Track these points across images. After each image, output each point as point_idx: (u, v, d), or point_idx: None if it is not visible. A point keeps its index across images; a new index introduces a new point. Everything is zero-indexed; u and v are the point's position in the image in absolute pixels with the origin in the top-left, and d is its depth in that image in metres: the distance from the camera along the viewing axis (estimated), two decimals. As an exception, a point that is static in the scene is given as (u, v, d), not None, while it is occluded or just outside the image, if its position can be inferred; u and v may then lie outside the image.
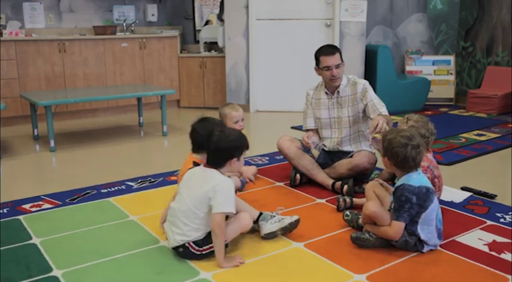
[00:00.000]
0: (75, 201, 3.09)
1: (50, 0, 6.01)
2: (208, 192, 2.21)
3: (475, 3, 6.38)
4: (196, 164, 2.43)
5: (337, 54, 3.22)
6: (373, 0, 6.27)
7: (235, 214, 2.32)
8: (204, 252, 2.26)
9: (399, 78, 6.07)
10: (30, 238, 2.54)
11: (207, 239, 2.24)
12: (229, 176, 2.37)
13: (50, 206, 3.01)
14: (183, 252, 2.27)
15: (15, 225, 2.70)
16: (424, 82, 6.13)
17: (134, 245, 2.44)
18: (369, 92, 3.25)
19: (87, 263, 2.27)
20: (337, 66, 3.21)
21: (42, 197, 3.16)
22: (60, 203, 3.06)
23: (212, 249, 2.24)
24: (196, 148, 2.70)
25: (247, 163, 3.65)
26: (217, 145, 2.27)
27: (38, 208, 2.96)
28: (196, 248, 2.25)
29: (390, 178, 3.04)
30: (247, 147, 2.37)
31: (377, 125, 2.85)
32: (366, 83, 3.30)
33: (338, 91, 3.31)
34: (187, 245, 2.25)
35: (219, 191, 2.20)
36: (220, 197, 2.19)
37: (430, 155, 2.78)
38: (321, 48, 3.29)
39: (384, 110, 3.19)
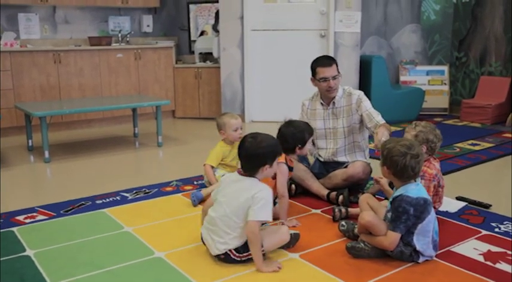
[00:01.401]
0: (69, 212, 3.08)
1: (45, 11, 6.03)
2: (248, 201, 2.23)
3: (468, 14, 6.44)
4: (286, 163, 2.75)
5: (334, 66, 3.23)
6: (367, 11, 6.32)
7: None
8: (243, 259, 2.29)
9: (393, 89, 6.10)
10: (24, 250, 2.52)
11: (247, 245, 2.26)
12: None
13: (44, 217, 2.99)
14: (224, 258, 2.30)
15: (9, 237, 2.68)
16: (418, 92, 6.16)
17: (129, 257, 2.43)
18: (364, 102, 3.26)
19: (81, 275, 2.25)
20: (334, 78, 3.22)
21: (37, 208, 3.15)
22: (55, 214, 3.04)
23: (246, 255, 2.29)
24: (286, 152, 2.84)
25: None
26: (249, 152, 2.29)
27: (32, 219, 2.95)
28: (237, 254, 2.28)
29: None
30: (280, 153, 2.40)
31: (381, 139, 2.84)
32: (361, 93, 3.31)
33: (333, 102, 3.32)
34: (228, 252, 2.27)
35: (257, 198, 2.22)
36: (258, 205, 2.21)
37: (437, 164, 2.79)
38: (317, 59, 3.29)
39: (380, 118, 3.19)
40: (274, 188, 2.78)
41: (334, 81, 3.23)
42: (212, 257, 2.39)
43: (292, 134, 2.86)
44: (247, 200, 2.22)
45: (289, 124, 2.92)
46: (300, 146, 2.87)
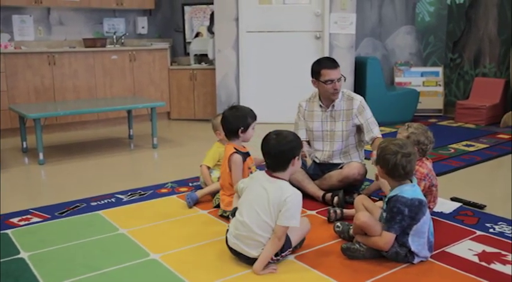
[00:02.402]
0: (64, 214, 3.07)
1: (39, 13, 6.01)
2: (280, 205, 2.23)
3: (462, 15, 6.47)
4: (238, 151, 2.82)
5: (339, 68, 3.24)
6: (362, 12, 6.34)
7: None
8: (280, 259, 2.33)
9: (388, 90, 6.12)
10: (19, 252, 2.51)
11: (284, 245, 2.29)
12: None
13: (38, 219, 2.98)
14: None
15: (3, 240, 2.67)
16: (413, 93, 6.18)
17: (124, 259, 2.42)
18: (366, 110, 3.29)
19: (76, 277, 2.25)
20: (339, 80, 3.22)
21: (31, 210, 3.13)
22: (49, 216, 3.03)
23: (285, 254, 2.32)
24: (230, 135, 2.93)
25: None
26: (278, 148, 2.30)
27: (27, 222, 2.93)
28: (274, 257, 2.29)
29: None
30: (302, 144, 2.44)
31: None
32: (362, 100, 3.32)
33: (333, 105, 3.32)
34: (270, 260, 2.28)
35: (289, 203, 2.22)
36: (289, 211, 2.22)
37: (429, 164, 2.81)
38: (321, 61, 3.27)
39: (376, 131, 3.26)
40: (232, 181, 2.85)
41: (339, 84, 3.23)
42: (207, 259, 2.39)
43: (234, 115, 2.91)
44: (279, 204, 2.23)
45: (232, 107, 2.97)
46: (242, 128, 2.89)
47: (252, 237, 2.26)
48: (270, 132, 2.39)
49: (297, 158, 2.35)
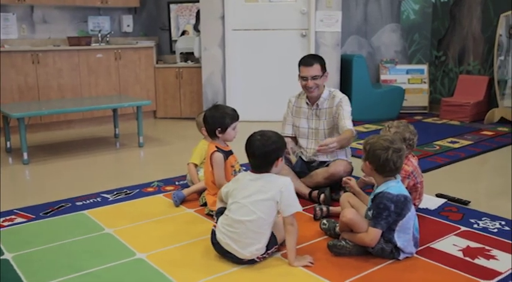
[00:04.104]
0: (49, 214, 3.04)
1: (23, 11, 5.94)
2: (275, 196, 2.25)
3: (447, 13, 6.52)
4: (220, 150, 2.82)
5: (316, 66, 3.23)
6: (347, 10, 6.36)
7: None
8: (266, 256, 2.34)
9: (374, 87, 6.15)
10: (3, 253, 2.48)
11: (269, 243, 2.32)
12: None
13: (23, 220, 2.95)
14: (247, 262, 2.31)
15: (-14, 241, 2.64)
16: (398, 91, 6.22)
17: (110, 259, 2.41)
18: (343, 106, 3.26)
19: (61, 277, 2.23)
20: (314, 78, 3.22)
21: (15, 211, 3.09)
22: (34, 216, 3.00)
23: (271, 251, 2.35)
24: (210, 135, 2.94)
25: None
26: (263, 149, 2.31)
27: (11, 222, 2.90)
28: (260, 256, 2.31)
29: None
30: (285, 145, 2.45)
31: (326, 144, 2.92)
32: (344, 97, 3.31)
33: (317, 104, 3.33)
34: (256, 259, 2.31)
35: (285, 192, 2.26)
36: (288, 199, 2.26)
37: (415, 161, 2.82)
38: (303, 57, 3.31)
39: (347, 123, 3.20)
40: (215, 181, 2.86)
41: (314, 82, 3.23)
42: (193, 258, 2.39)
43: (212, 116, 2.89)
44: (274, 196, 2.25)
45: (214, 107, 2.96)
46: (219, 129, 2.87)
47: (248, 235, 2.26)
48: (254, 133, 2.40)
49: (280, 158, 2.36)
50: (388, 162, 2.29)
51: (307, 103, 3.38)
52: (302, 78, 3.25)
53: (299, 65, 3.29)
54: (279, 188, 2.26)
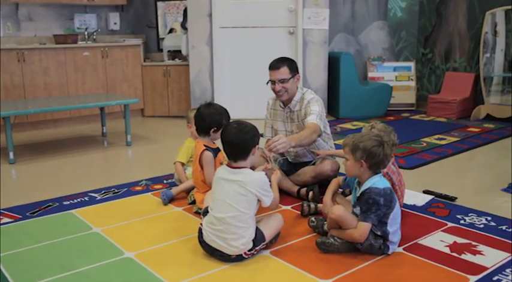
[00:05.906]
0: (36, 214, 3.01)
1: (7, 9, 5.87)
2: (253, 190, 2.29)
3: (433, 11, 6.57)
4: (208, 148, 2.82)
5: (284, 69, 3.13)
6: (335, 8, 6.37)
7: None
8: (254, 253, 2.36)
9: (362, 85, 6.17)
10: (-11, 254, 2.46)
11: (258, 239, 2.34)
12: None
13: (9, 220, 2.92)
14: (235, 258, 2.32)
15: (-28, 241, 2.61)
16: (386, 88, 6.26)
17: (98, 258, 2.39)
18: (311, 105, 3.15)
19: (49, 277, 2.21)
20: (281, 81, 3.14)
21: (2, 211, 3.06)
22: (21, 216, 2.97)
23: (259, 248, 2.37)
24: (200, 132, 2.94)
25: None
26: (242, 137, 2.33)
27: (-3, 222, 2.88)
28: (249, 252, 2.32)
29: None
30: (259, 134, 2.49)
31: (274, 141, 2.75)
32: (313, 98, 3.19)
33: (289, 107, 3.27)
34: (243, 254, 2.31)
35: (262, 187, 2.32)
36: (266, 192, 2.34)
37: (389, 162, 2.82)
38: (272, 60, 3.22)
39: (310, 118, 3.09)
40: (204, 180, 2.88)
41: (282, 85, 3.14)
42: (182, 257, 2.39)
43: (210, 114, 2.89)
44: (252, 191, 2.29)
45: (209, 105, 2.95)
46: (215, 128, 2.88)
47: (231, 230, 2.27)
48: (229, 122, 2.45)
49: (257, 146, 2.40)
50: (386, 157, 2.36)
51: (280, 106, 3.32)
52: (270, 82, 3.19)
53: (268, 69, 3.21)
54: (255, 185, 2.30)
